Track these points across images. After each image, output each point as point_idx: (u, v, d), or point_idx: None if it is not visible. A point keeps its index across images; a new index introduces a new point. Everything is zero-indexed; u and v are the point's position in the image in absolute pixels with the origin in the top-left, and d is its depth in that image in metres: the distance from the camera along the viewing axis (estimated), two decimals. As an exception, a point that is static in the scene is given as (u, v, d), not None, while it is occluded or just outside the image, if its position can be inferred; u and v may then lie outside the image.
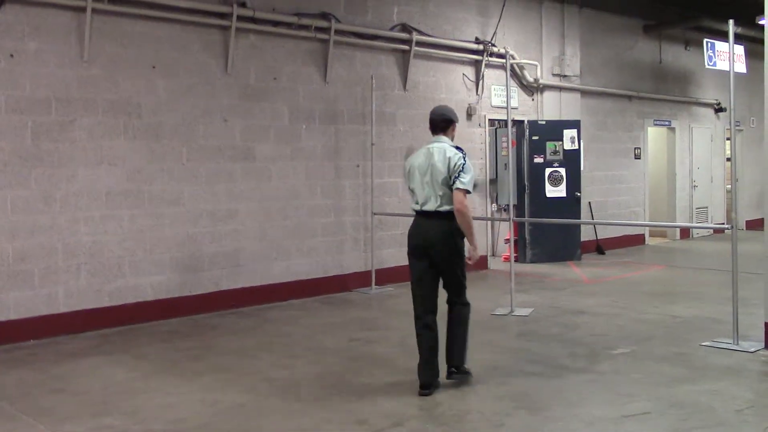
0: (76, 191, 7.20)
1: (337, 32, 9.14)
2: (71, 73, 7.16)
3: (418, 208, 5.33)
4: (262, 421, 4.71)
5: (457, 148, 5.33)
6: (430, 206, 5.25)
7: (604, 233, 13.10)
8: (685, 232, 15.34)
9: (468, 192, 5.22)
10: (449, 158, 5.22)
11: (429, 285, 5.28)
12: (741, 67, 12.65)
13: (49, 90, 7.03)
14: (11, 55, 6.80)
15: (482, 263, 11.11)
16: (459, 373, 5.34)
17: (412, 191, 5.41)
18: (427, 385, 5.13)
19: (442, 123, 5.49)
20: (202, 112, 8.07)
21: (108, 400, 5.11)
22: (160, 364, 6.07)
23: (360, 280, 9.42)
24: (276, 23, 8.62)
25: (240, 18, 8.21)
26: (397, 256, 9.95)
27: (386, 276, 9.61)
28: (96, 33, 7.27)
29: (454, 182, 5.17)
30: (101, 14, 7.29)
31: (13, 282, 6.84)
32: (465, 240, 5.32)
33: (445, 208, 5.21)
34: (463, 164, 5.21)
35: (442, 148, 5.31)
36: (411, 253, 5.36)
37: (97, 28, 7.28)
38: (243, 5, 8.25)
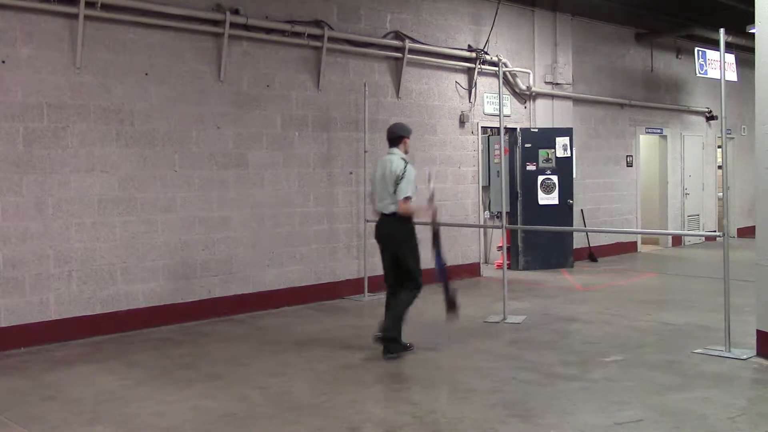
0: (68, 198, 7.17)
1: (330, 39, 9.15)
2: (63, 80, 7.14)
3: (377, 209, 6.58)
4: (254, 430, 4.70)
5: (403, 159, 6.46)
6: (385, 208, 6.47)
7: (597, 241, 13.13)
8: (677, 240, 15.40)
9: (408, 198, 6.35)
10: (393, 170, 6.36)
11: (388, 264, 6.61)
12: (732, 75, 12.73)
13: (42, 96, 7.01)
14: (3, 61, 6.79)
15: (475, 270, 11.14)
16: (383, 340, 6.29)
17: (372, 195, 6.72)
18: (380, 331, 6.34)
19: (394, 138, 6.64)
20: (194, 119, 8.06)
21: (99, 408, 5.08)
22: (152, 371, 6.04)
23: (353, 287, 9.41)
24: (269, 30, 8.62)
25: (233, 25, 8.21)
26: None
27: (379, 283, 9.58)
28: (88, 40, 7.26)
29: (395, 191, 6.33)
30: (94, 21, 7.28)
31: (4, 289, 6.80)
32: (434, 236, 6.71)
33: (397, 212, 6.40)
34: (402, 174, 6.30)
35: (392, 160, 6.46)
36: (376, 241, 6.68)
37: (90, 34, 7.27)
38: (236, 12, 8.25)
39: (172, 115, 7.88)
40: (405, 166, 6.37)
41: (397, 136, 6.63)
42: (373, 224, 9.46)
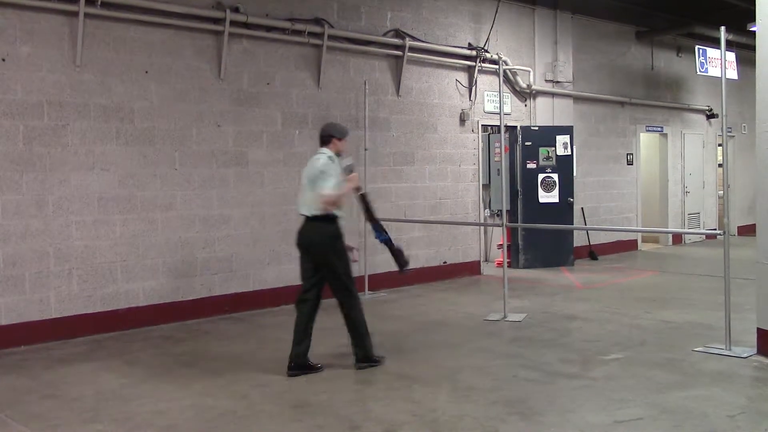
0: (68, 196, 7.17)
1: (331, 38, 9.14)
2: (64, 78, 7.14)
3: (300, 212, 5.96)
4: (254, 428, 4.69)
5: (329, 157, 5.92)
6: (306, 210, 5.88)
7: (597, 239, 13.12)
8: (678, 238, 15.39)
9: (330, 195, 5.74)
10: (315, 167, 5.86)
11: (308, 271, 5.95)
12: (732, 73, 12.70)
13: (42, 94, 7.01)
14: (3, 59, 6.78)
15: (475, 269, 11.14)
16: (363, 362, 5.95)
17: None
18: (290, 358, 5.85)
19: (323, 137, 6.11)
20: (194, 117, 8.05)
21: (100, 407, 5.08)
22: (153, 370, 6.04)
23: (353, 285, 9.38)
24: (269, 28, 8.61)
25: (233, 23, 8.21)
26: (390, 261, 9.92)
27: (379, 281, 9.61)
28: (88, 38, 7.25)
29: (318, 187, 5.77)
30: (94, 19, 7.27)
31: (4, 287, 6.80)
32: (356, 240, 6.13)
33: (319, 212, 5.81)
34: (323, 169, 5.80)
35: (318, 158, 5.93)
36: (297, 247, 6.00)
37: (90, 32, 7.26)
38: (236, 10, 8.24)
39: (172, 113, 7.87)
40: (326, 161, 5.86)
41: (326, 135, 6.07)
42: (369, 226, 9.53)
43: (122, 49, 7.51)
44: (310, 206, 5.83)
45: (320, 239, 5.84)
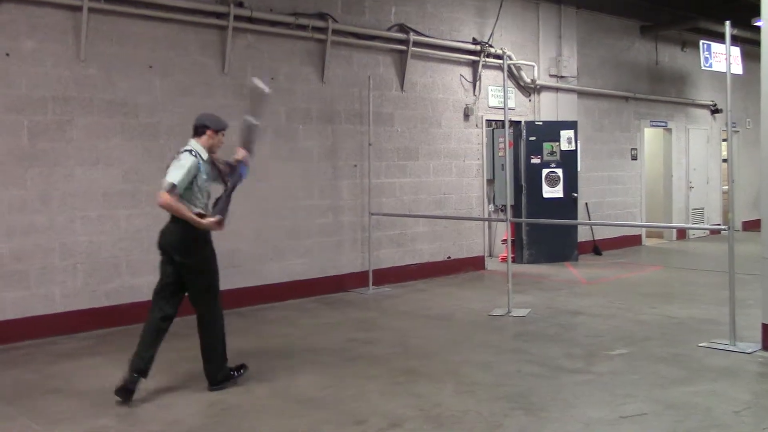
0: (72, 191, 7.18)
1: (335, 32, 9.13)
2: (68, 73, 7.14)
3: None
4: (258, 422, 4.70)
5: (189, 151, 5.27)
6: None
7: (601, 234, 13.10)
8: (682, 233, 15.36)
9: (173, 185, 5.08)
10: (174, 157, 5.25)
11: (168, 276, 5.30)
12: (737, 68, 12.68)
13: (46, 89, 7.01)
14: (7, 54, 6.78)
15: (479, 264, 11.13)
16: (214, 386, 5.32)
17: None
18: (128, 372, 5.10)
19: (197, 127, 5.45)
20: (199, 111, 7.90)
21: (104, 401, 5.08)
22: (157, 365, 6.01)
23: (357, 280, 9.41)
24: (273, 23, 8.60)
25: (237, 18, 8.19)
26: (395, 256, 9.97)
27: (384, 276, 9.61)
28: (93, 32, 7.25)
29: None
30: (98, 13, 7.27)
31: (9, 282, 6.81)
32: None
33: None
34: (176, 157, 5.21)
35: (181, 150, 5.32)
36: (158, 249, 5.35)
37: (94, 27, 7.26)
38: (240, 5, 8.23)
39: (176, 108, 7.87)
40: (184, 154, 5.23)
41: (200, 125, 5.42)
42: (379, 217, 9.57)
43: (126, 44, 7.50)
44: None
45: (180, 244, 5.21)
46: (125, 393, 5.02)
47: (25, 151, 6.90)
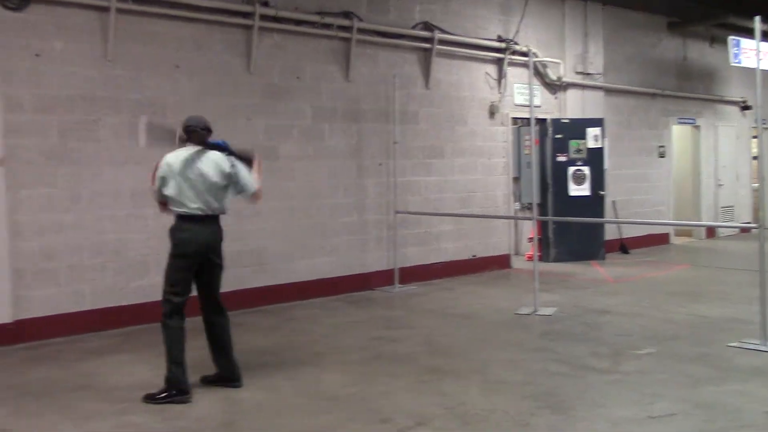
0: (101, 190, 7.25)
1: (360, 31, 9.13)
2: (96, 73, 7.21)
3: (191, 211, 5.33)
4: (285, 420, 4.72)
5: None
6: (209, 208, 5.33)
7: (629, 232, 12.98)
8: (711, 231, 15.17)
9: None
10: (220, 165, 5.33)
11: (189, 288, 5.55)
12: (767, 64, 12.47)
13: (74, 89, 7.09)
14: (37, 55, 6.87)
15: (505, 262, 11.08)
16: (239, 380, 5.42)
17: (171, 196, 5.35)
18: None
19: (209, 130, 5.48)
20: (225, 111, 8.09)
21: (132, 398, 5.13)
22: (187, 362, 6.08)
23: (383, 278, 9.41)
24: (299, 22, 8.63)
25: (263, 17, 8.23)
26: (420, 254, 9.96)
27: (409, 274, 9.60)
28: (120, 33, 7.32)
29: (233, 188, 5.45)
30: (125, 14, 7.33)
31: (40, 280, 6.90)
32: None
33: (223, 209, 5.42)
34: (236, 166, 5.39)
35: (210, 155, 5.36)
36: (192, 255, 5.39)
37: (121, 27, 7.33)
38: (266, 4, 8.27)
39: (202, 108, 7.86)
40: (231, 157, 5.40)
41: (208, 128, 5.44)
42: (404, 216, 9.54)
43: (153, 44, 7.57)
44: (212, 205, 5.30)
45: (221, 243, 5.49)
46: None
47: (55, 150, 6.98)
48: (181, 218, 5.29)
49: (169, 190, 5.26)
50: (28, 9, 6.81)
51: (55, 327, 6.92)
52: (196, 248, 5.29)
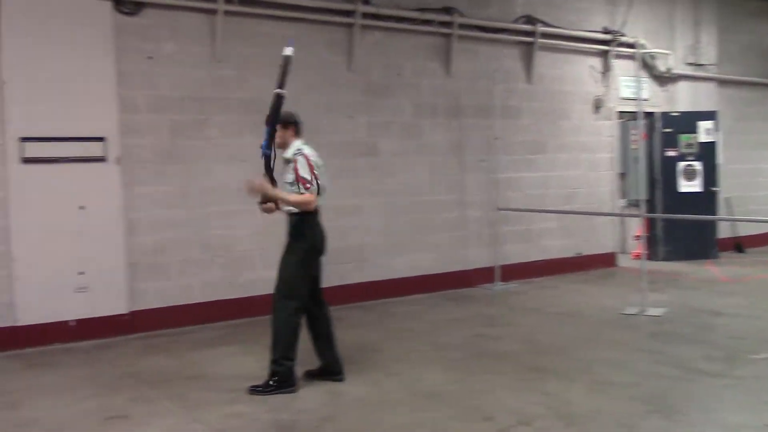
0: (210, 187, 7.50)
1: (461, 26, 9.07)
2: (204, 73, 7.46)
3: (320, 204, 5.35)
4: (386, 415, 4.74)
5: None
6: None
7: (745, 230, 12.35)
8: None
9: None
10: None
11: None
12: None
13: (185, 90, 7.35)
14: (150, 57, 7.16)
15: (610, 260, 10.79)
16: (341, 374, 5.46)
17: (323, 187, 5.32)
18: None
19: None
20: (326, 108, 8.21)
21: (239, 388, 5.26)
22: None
23: (484, 275, 9.32)
24: (399, 19, 8.64)
25: (364, 15, 8.30)
26: (522, 252, 9.81)
27: (510, 272, 9.47)
28: (227, 34, 7.54)
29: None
30: (232, 16, 7.55)
31: (153, 273, 7.21)
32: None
33: None
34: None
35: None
36: (321, 252, 5.42)
37: (228, 29, 7.54)
38: (367, 2, 8.33)
39: (305, 105, 8.00)
40: None
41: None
42: (505, 213, 9.42)
43: (258, 45, 7.75)
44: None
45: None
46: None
47: (167, 148, 7.27)
48: (315, 213, 5.31)
49: (322, 183, 5.31)
50: (141, 13, 7.12)
51: (166, 318, 7.21)
52: (325, 243, 5.40)
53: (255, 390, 5.17)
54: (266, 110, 7.92)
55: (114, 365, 6.01)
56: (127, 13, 7.05)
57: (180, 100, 7.33)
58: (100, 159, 6.86)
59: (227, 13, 7.47)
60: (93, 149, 6.82)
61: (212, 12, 7.42)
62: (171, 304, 7.28)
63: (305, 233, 5.27)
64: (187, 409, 4.90)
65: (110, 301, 6.94)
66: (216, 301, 7.51)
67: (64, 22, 6.68)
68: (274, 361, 5.22)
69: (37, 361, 6.15)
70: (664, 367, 5.60)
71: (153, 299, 7.21)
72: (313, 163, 5.25)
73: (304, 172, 5.18)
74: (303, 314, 5.35)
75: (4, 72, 6.43)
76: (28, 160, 6.52)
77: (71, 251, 6.74)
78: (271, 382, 5.18)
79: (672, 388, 5.11)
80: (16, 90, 6.47)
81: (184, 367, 5.92)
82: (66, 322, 6.73)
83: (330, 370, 5.47)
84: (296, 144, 5.37)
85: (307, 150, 5.34)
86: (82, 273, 6.78)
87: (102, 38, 6.86)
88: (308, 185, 5.17)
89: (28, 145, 6.50)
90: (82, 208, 6.78)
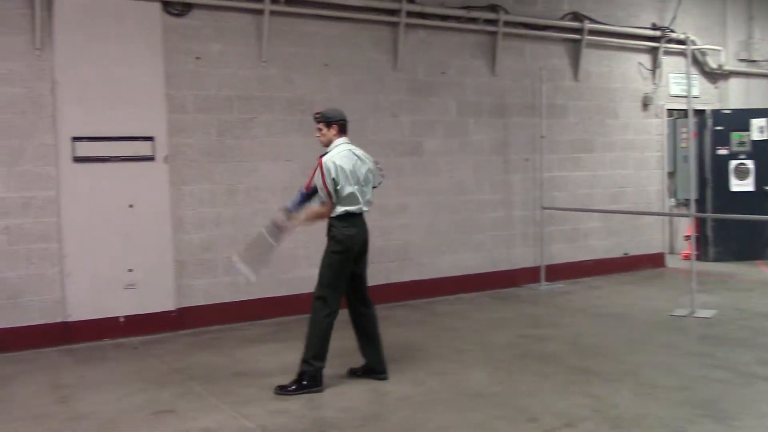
0: (256, 185, 7.57)
1: (506, 24, 9.00)
2: (251, 73, 7.53)
3: (365, 209, 5.38)
4: (431, 414, 4.72)
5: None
6: (367, 205, 5.40)
7: (798, 231, 12.01)
8: None
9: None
10: (370, 161, 5.42)
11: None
12: None
13: (231, 89, 7.43)
14: (197, 58, 7.25)
15: (658, 261, 10.60)
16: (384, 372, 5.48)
17: (352, 193, 5.24)
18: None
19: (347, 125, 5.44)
20: (371, 107, 8.22)
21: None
22: (333, 353, 6.22)
23: (529, 275, 9.24)
24: (444, 17, 8.61)
25: (409, 14, 8.28)
26: (568, 252, 9.70)
27: (556, 272, 9.37)
28: (273, 34, 7.59)
29: (377, 185, 5.48)
30: (278, 15, 7.60)
31: (201, 270, 7.30)
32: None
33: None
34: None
35: (358, 150, 5.37)
36: (354, 253, 5.37)
37: (274, 29, 7.60)
38: (412, 1, 8.31)
39: (350, 105, 8.03)
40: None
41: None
42: (551, 212, 9.32)
43: (303, 44, 7.80)
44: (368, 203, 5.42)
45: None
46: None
47: (214, 147, 7.36)
48: (348, 216, 5.29)
49: (347, 189, 5.22)
50: (189, 14, 7.21)
51: (213, 315, 7.30)
52: (361, 243, 5.39)
53: (282, 389, 5.17)
54: (311, 110, 7.99)
55: (162, 361, 6.11)
56: (175, 14, 7.15)
57: (227, 100, 7.41)
58: (148, 158, 6.98)
59: (273, 13, 7.53)
60: (142, 148, 6.94)
61: (259, 12, 7.49)
62: (217, 301, 7.37)
63: (336, 236, 5.31)
64: (233, 405, 4.95)
65: (158, 297, 7.06)
66: (261, 298, 7.57)
67: (115, 23, 6.81)
68: (305, 361, 5.24)
69: (88, 356, 6.29)
70: (715, 371, 5.49)
71: (200, 296, 7.30)
72: (327, 171, 5.18)
73: (317, 181, 5.25)
74: (335, 316, 5.35)
75: (57, 73, 6.58)
76: (79, 159, 6.65)
77: (120, 249, 6.87)
78: (302, 382, 5.19)
79: (724, 393, 4.99)
80: (68, 90, 6.61)
81: (231, 364, 5.99)
82: (116, 318, 6.87)
83: (374, 369, 5.48)
84: (337, 143, 5.35)
85: (336, 153, 5.26)
86: (130, 270, 6.91)
87: (151, 39, 6.98)
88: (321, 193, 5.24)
89: (79, 144, 6.64)
90: (131, 206, 6.90)
